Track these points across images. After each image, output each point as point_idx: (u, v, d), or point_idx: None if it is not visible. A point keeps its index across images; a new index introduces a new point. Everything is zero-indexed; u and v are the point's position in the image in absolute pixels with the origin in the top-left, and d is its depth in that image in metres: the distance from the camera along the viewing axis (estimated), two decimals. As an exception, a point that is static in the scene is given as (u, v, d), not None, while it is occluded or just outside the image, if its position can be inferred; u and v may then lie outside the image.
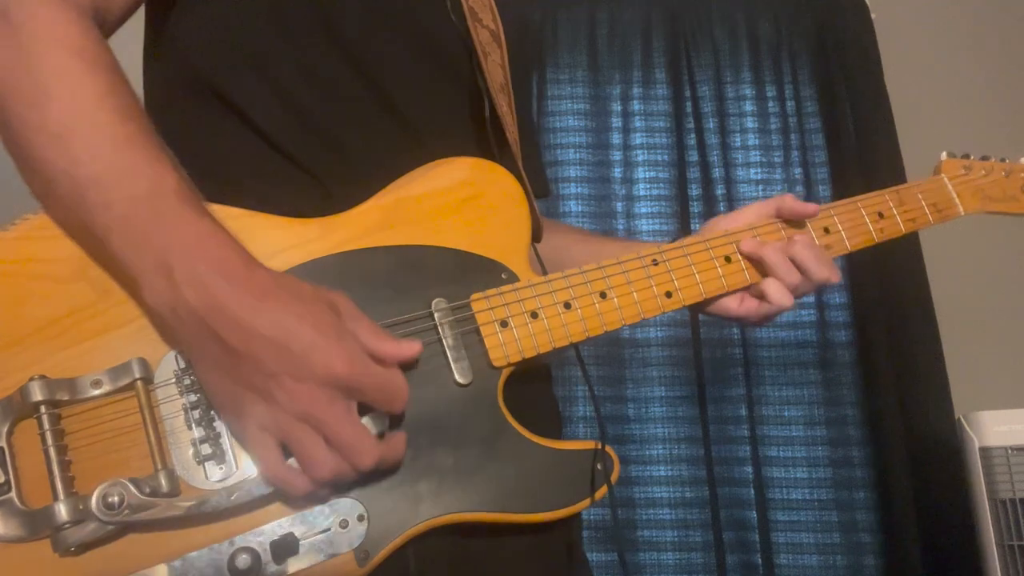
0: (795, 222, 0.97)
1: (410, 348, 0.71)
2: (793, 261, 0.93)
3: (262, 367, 0.64)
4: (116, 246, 0.66)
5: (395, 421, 0.73)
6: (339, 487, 0.70)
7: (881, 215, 0.98)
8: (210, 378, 0.67)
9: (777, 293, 0.93)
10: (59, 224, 0.71)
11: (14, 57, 0.69)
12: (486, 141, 0.90)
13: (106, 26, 0.79)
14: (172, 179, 0.68)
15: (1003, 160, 1.10)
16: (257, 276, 0.66)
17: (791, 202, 0.96)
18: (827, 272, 0.93)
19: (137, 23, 0.89)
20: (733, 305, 0.95)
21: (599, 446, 0.81)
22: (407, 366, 0.72)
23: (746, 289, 0.95)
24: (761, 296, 0.94)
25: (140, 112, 0.72)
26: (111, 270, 0.70)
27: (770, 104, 2.56)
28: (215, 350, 0.65)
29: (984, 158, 1.09)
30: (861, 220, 0.98)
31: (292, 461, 0.67)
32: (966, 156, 1.08)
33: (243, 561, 0.67)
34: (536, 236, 0.90)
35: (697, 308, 0.96)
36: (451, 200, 0.82)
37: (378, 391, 0.68)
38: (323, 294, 0.68)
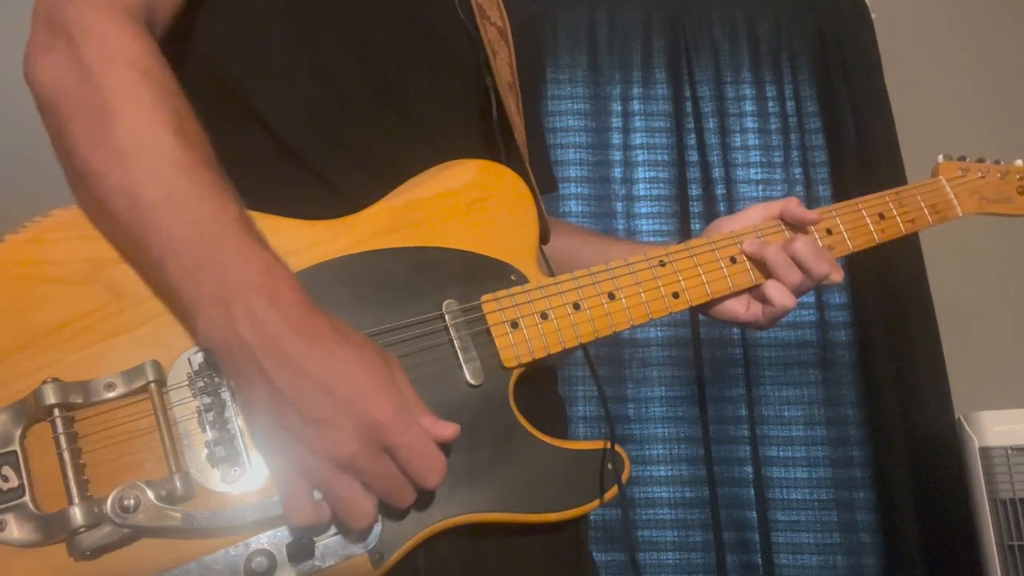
0: (798, 226, 0.98)
1: (448, 429, 0.68)
2: (794, 259, 0.94)
3: (306, 411, 0.63)
4: (172, 271, 0.66)
5: None
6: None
7: (882, 216, 1.00)
8: (254, 414, 0.66)
9: (778, 294, 0.93)
10: (109, 236, 0.71)
11: (76, 71, 0.69)
12: (494, 141, 0.90)
13: (156, 28, 0.78)
14: (235, 209, 0.68)
15: (998, 162, 1.12)
16: (314, 319, 0.65)
17: (794, 207, 0.97)
18: (827, 268, 0.94)
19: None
20: (740, 310, 0.96)
21: (609, 446, 0.82)
22: (413, 368, 0.72)
23: (750, 291, 0.96)
24: (764, 299, 0.95)
25: (204, 139, 0.71)
26: (160, 292, 0.70)
27: (770, 104, 2.56)
28: (262, 388, 0.64)
29: (980, 160, 1.11)
30: (863, 221, 1.00)
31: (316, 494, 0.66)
32: (962, 158, 1.10)
33: (259, 564, 0.67)
34: (544, 238, 0.90)
35: (703, 312, 0.97)
36: (460, 202, 0.83)
37: (417, 453, 0.66)
38: (376, 346, 0.68)
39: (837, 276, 0.95)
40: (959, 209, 1.05)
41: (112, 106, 0.68)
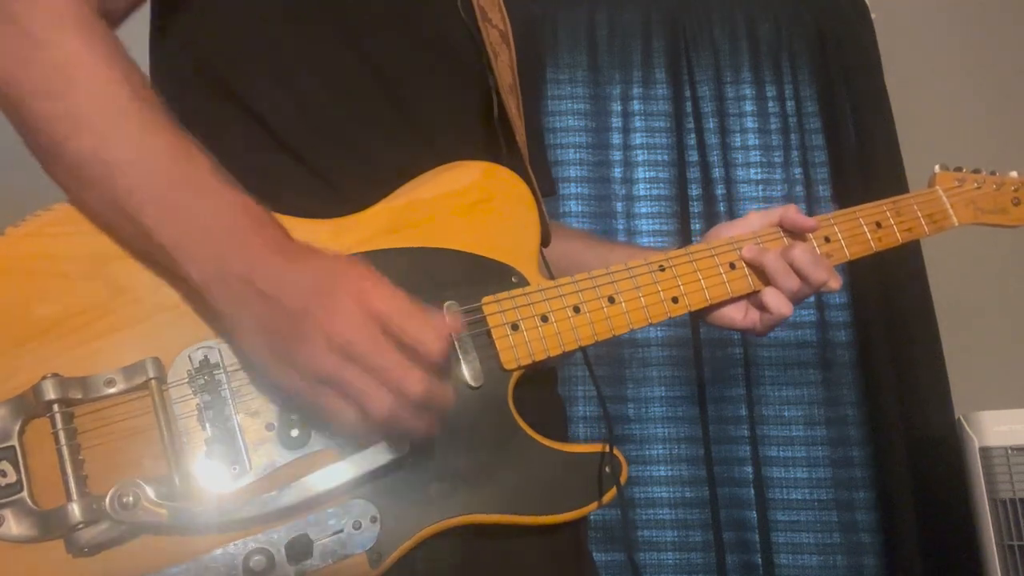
0: (796, 233, 0.98)
1: (441, 324, 0.69)
2: (792, 266, 0.94)
3: (302, 311, 0.65)
4: (151, 223, 0.67)
5: None
6: (406, 430, 0.69)
7: (879, 225, 1.01)
8: (254, 342, 0.68)
9: (775, 301, 0.94)
10: (85, 208, 0.71)
11: (20, 48, 0.69)
12: (495, 142, 0.90)
13: (110, 18, 0.79)
14: (206, 159, 0.70)
15: (993, 173, 1.13)
16: (293, 242, 0.70)
17: (793, 215, 0.98)
18: (824, 275, 0.94)
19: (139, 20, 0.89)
20: (738, 317, 0.97)
21: (607, 449, 0.82)
22: None
23: (748, 298, 0.96)
24: (761, 306, 0.95)
25: (158, 100, 0.73)
26: (141, 250, 0.70)
27: (770, 104, 2.56)
28: (258, 308, 0.66)
29: (975, 171, 1.12)
30: (860, 230, 1.01)
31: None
32: (959, 169, 1.11)
33: (257, 562, 0.67)
34: (545, 240, 0.90)
35: (702, 319, 0.97)
36: (462, 203, 0.83)
37: (410, 326, 0.66)
38: (355, 262, 0.70)
39: (835, 284, 0.95)
40: (955, 219, 1.07)
41: (66, 76, 0.69)
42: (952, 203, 1.07)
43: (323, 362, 0.64)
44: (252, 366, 0.71)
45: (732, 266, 0.93)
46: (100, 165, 0.68)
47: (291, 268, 0.67)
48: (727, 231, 0.98)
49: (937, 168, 1.10)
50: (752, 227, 0.98)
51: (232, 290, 0.66)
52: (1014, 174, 1.14)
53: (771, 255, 0.94)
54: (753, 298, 0.96)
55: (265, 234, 0.68)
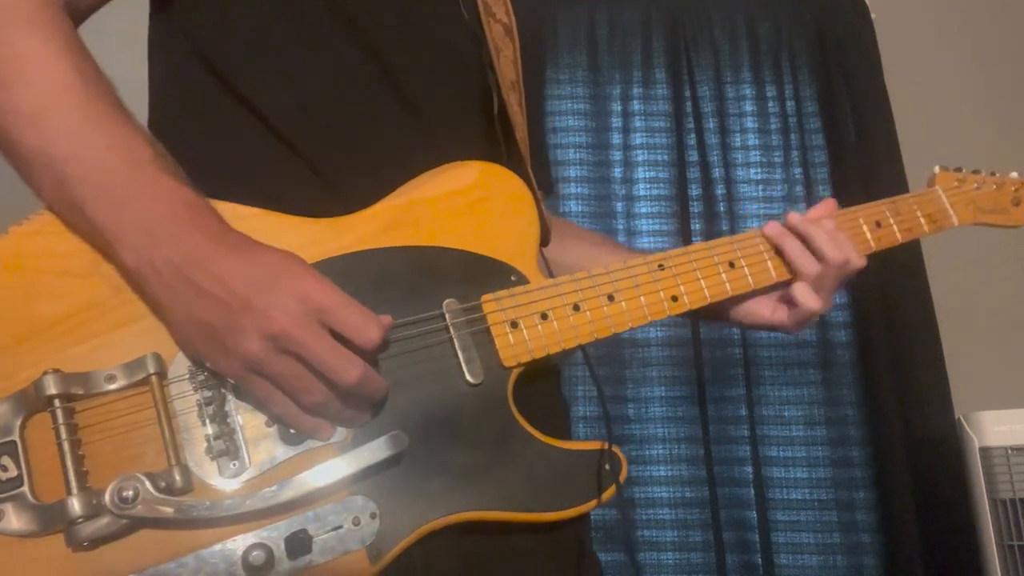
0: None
1: (371, 324, 0.70)
2: (809, 243, 0.95)
3: (239, 302, 0.65)
4: (93, 212, 0.68)
5: (404, 416, 0.73)
6: (340, 419, 0.71)
7: (879, 224, 1.02)
8: (185, 330, 0.68)
9: (802, 294, 0.94)
10: (42, 199, 0.72)
11: None
12: (496, 139, 0.90)
13: (77, 14, 0.80)
14: (148, 152, 0.71)
15: (993, 174, 1.14)
16: (232, 233, 0.70)
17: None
18: (841, 254, 0.95)
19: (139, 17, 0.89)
20: (766, 313, 0.98)
21: (607, 446, 0.82)
22: (413, 365, 0.75)
23: (779, 294, 0.97)
24: (790, 301, 0.96)
25: (111, 92, 0.74)
26: (96, 244, 0.71)
27: (770, 104, 2.56)
28: (189, 295, 0.66)
29: (975, 171, 1.13)
30: (860, 229, 1.01)
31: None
32: (958, 169, 1.12)
33: (257, 557, 0.67)
34: (544, 239, 0.90)
35: (728, 320, 0.99)
36: (462, 203, 0.83)
37: (348, 314, 0.68)
38: (290, 255, 0.70)
39: (858, 261, 0.96)
40: (955, 219, 1.08)
41: (18, 71, 0.70)
42: (952, 203, 1.08)
43: (255, 352, 0.65)
44: None
45: (731, 265, 0.93)
46: (45, 158, 0.69)
47: (228, 259, 0.67)
48: None
49: (937, 168, 1.11)
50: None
51: (163, 277, 0.67)
52: (1014, 175, 1.15)
53: (790, 238, 0.95)
54: (783, 294, 0.97)
55: (202, 224, 0.69)
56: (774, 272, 0.96)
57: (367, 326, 0.68)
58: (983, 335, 2.39)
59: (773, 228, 0.96)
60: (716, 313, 0.98)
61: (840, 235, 0.97)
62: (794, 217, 0.97)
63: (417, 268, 0.79)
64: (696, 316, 0.97)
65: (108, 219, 0.68)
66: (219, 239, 0.69)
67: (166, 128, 0.82)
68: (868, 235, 1.01)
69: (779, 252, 0.96)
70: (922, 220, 1.04)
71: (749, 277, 0.94)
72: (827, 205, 1.01)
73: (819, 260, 0.95)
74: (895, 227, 1.02)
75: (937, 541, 2.21)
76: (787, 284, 0.97)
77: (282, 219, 0.77)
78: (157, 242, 0.67)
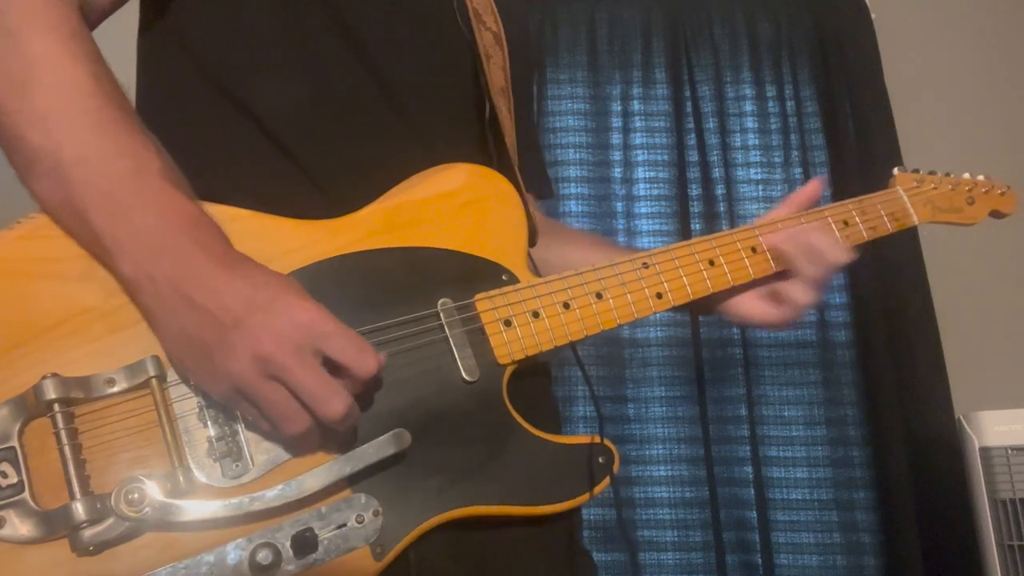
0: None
1: (367, 356, 0.68)
2: (796, 240, 0.97)
3: (232, 322, 0.65)
4: (94, 218, 0.67)
5: (403, 414, 0.74)
6: (320, 447, 0.70)
7: (846, 223, 1.04)
8: (175, 345, 0.68)
9: (792, 289, 0.97)
10: (39, 200, 0.71)
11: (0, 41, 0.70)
12: (485, 144, 0.92)
13: (92, 16, 0.80)
14: (156, 162, 0.70)
15: (948, 174, 1.17)
16: (234, 254, 0.69)
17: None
18: (836, 251, 0.97)
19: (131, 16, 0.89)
20: (756, 312, 1.00)
21: (598, 440, 0.84)
22: (409, 364, 0.75)
23: (768, 289, 0.99)
24: (779, 296, 0.98)
25: (124, 100, 0.74)
26: (93, 252, 0.70)
27: (770, 104, 2.56)
28: (183, 312, 0.66)
29: (932, 172, 1.16)
30: (829, 227, 1.05)
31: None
32: (915, 170, 1.15)
33: (264, 556, 0.67)
34: (532, 239, 0.92)
35: (719, 315, 1.01)
36: (452, 204, 0.84)
37: (346, 343, 0.67)
38: (287, 280, 0.70)
39: (843, 255, 0.97)
40: (915, 218, 1.11)
41: (33, 73, 0.70)
42: (912, 202, 1.11)
43: (241, 372, 0.64)
44: None
45: (711, 263, 0.96)
46: (52, 160, 0.68)
47: (226, 278, 0.66)
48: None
49: (896, 170, 1.14)
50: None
51: (159, 291, 0.66)
52: (967, 175, 1.18)
53: (783, 234, 0.98)
54: (771, 289, 0.99)
55: (206, 243, 0.68)
56: (752, 269, 0.98)
57: (364, 354, 0.67)
58: (983, 335, 2.39)
59: (770, 240, 0.99)
60: (707, 308, 1.01)
61: (832, 235, 1.00)
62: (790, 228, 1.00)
63: (410, 269, 0.80)
64: (691, 310, 1.00)
65: (109, 226, 0.67)
66: (221, 258, 0.68)
67: (155, 130, 0.82)
68: (837, 233, 1.04)
69: (762, 251, 0.98)
70: (886, 219, 1.08)
71: (728, 275, 0.96)
72: (814, 186, 1.04)
73: (817, 261, 0.97)
74: (861, 226, 1.05)
75: (937, 541, 2.21)
76: (773, 279, 0.99)
77: (275, 221, 0.77)
78: (158, 256, 0.66)
